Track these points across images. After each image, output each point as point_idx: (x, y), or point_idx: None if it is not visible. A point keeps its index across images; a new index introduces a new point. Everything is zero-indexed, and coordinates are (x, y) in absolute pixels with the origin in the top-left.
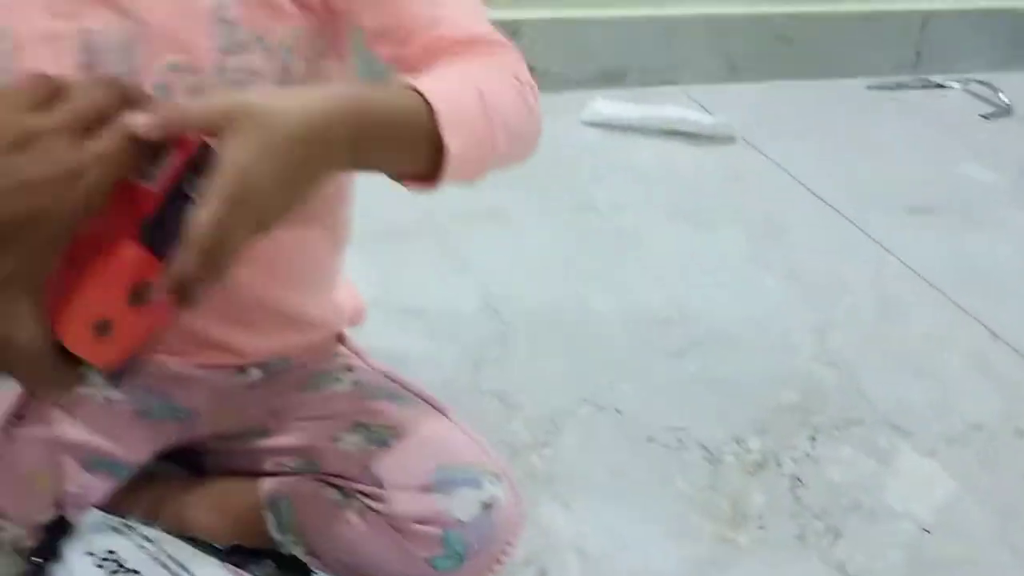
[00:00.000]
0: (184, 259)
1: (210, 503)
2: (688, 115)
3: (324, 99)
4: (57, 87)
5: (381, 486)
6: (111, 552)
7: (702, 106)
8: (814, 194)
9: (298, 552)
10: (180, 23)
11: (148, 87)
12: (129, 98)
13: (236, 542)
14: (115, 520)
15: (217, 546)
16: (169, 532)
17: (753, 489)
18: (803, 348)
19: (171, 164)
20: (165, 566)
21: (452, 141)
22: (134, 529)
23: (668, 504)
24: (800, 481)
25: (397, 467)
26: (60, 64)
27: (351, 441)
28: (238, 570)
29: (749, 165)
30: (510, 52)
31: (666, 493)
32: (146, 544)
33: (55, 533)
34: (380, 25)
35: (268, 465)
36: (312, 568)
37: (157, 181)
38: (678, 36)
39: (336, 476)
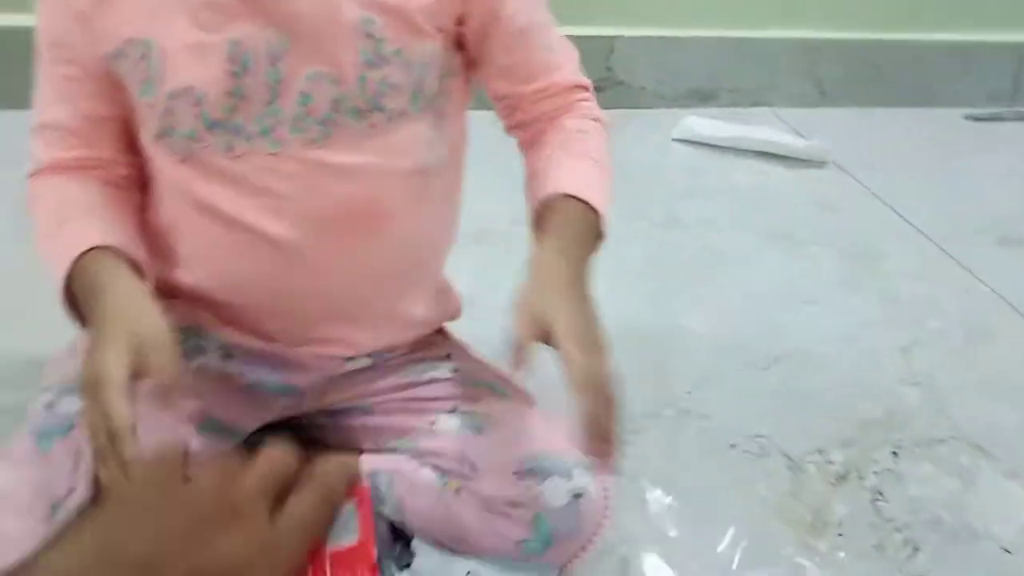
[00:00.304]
0: (598, 412)
1: (311, 472)
2: (780, 137)
3: (558, 249)
4: (240, 460)
5: (475, 468)
6: None
7: (792, 129)
8: (905, 220)
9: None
10: (327, 34)
11: (292, 96)
12: (307, 459)
13: None
14: None
15: None
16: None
17: (834, 499)
18: (889, 367)
19: (360, 512)
20: None
21: (606, 230)
22: None
23: (748, 508)
24: (881, 494)
25: (492, 452)
26: (207, 73)
27: (449, 425)
28: None
29: (840, 189)
30: (592, 95)
31: (746, 497)
32: None
33: None
34: (508, 63)
35: (368, 443)
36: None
37: (358, 531)
38: (771, 58)
39: (433, 455)
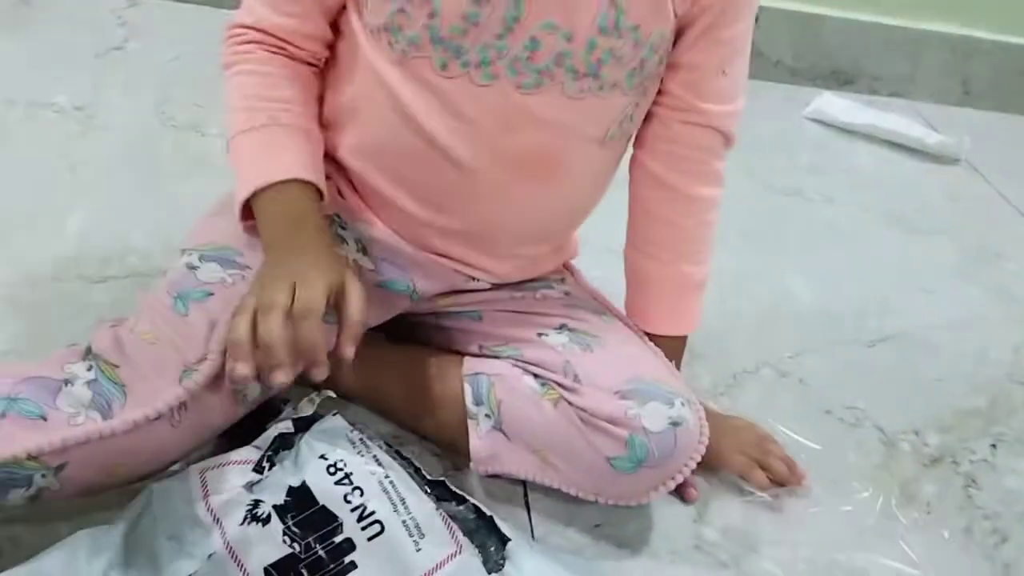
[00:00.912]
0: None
1: (414, 367)
2: (914, 130)
3: None
4: None
5: (578, 381)
6: (343, 463)
7: (929, 123)
8: None
9: (487, 424)
10: None
11: (521, 38)
12: None
13: (430, 418)
14: (355, 434)
15: (427, 475)
16: (374, 392)
17: (925, 479)
18: (998, 363)
19: None
20: (386, 492)
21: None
22: (368, 448)
23: (837, 472)
24: (974, 482)
25: (596, 369)
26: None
27: (556, 339)
28: (446, 516)
29: (970, 188)
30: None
31: (836, 462)
32: (376, 469)
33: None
34: (697, 63)
35: (473, 347)
36: (505, 533)
37: None
38: (918, 50)
39: (536, 365)
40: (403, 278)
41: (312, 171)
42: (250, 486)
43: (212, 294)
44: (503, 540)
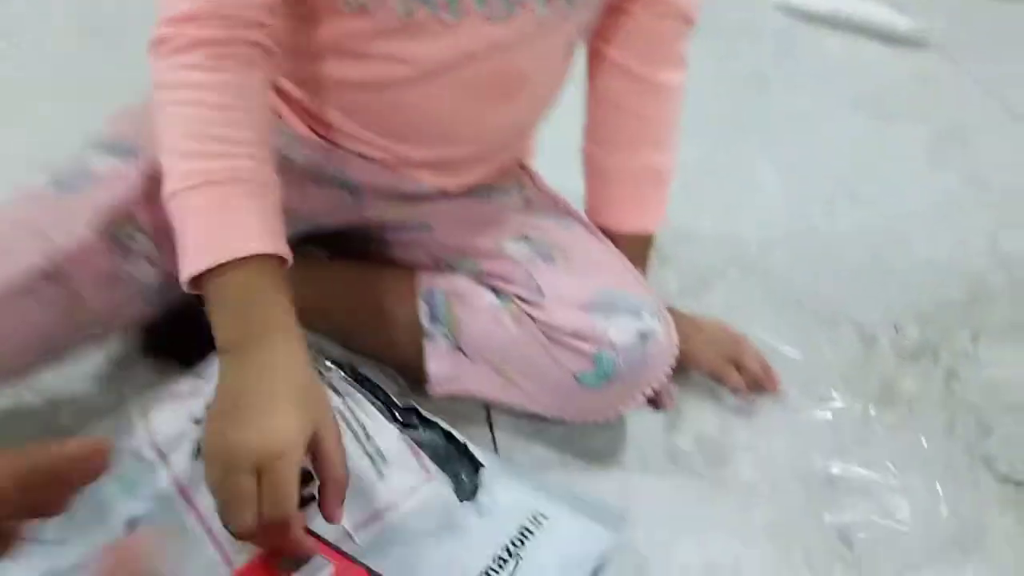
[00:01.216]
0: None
1: (362, 284)
2: (882, 14)
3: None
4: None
5: (541, 294)
6: None
7: (897, 7)
8: (1005, 107)
9: (445, 343)
10: None
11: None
12: None
13: (385, 341)
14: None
15: (396, 400)
16: (319, 313)
17: (906, 374)
18: (975, 249)
19: None
20: (345, 420)
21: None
22: (323, 376)
23: (813, 372)
24: (957, 375)
25: (560, 281)
26: None
27: (516, 249)
28: (412, 443)
29: (940, 71)
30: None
31: (812, 362)
32: (335, 399)
33: None
34: None
35: (427, 260)
36: (478, 459)
37: None
38: None
39: (497, 278)
40: (334, 169)
41: (278, 239)
42: (196, 421)
43: (99, 179)
44: (476, 467)
